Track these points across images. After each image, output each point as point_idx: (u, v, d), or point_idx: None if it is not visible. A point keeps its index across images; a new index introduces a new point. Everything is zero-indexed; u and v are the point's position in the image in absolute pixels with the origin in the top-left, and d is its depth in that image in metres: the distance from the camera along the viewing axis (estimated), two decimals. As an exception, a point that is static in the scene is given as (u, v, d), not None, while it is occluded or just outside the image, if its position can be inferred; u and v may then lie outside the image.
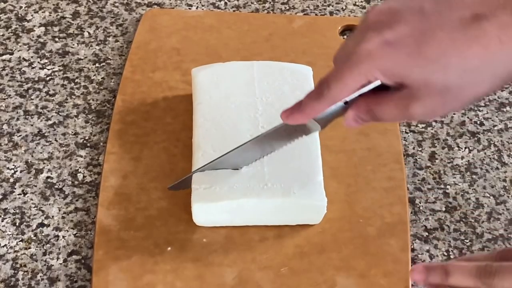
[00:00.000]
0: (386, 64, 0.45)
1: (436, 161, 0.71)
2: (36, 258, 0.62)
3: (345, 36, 0.83)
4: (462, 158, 0.71)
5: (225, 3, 0.87)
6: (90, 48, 0.81)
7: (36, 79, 0.77)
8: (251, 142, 0.60)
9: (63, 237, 0.64)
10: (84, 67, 0.79)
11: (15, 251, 0.62)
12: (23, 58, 0.80)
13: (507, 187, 0.69)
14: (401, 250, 0.62)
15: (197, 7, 0.87)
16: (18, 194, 0.67)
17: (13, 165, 0.69)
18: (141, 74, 0.76)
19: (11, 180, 0.68)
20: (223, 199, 0.60)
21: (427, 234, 0.65)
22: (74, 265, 0.62)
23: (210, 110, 0.67)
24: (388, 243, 0.62)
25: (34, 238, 0.63)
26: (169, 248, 0.62)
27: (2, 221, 0.65)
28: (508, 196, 0.68)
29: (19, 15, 0.85)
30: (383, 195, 0.66)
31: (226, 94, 0.68)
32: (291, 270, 0.60)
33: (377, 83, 0.48)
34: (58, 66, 0.79)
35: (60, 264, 0.62)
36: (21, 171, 0.69)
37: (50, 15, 0.85)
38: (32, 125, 0.73)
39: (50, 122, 0.73)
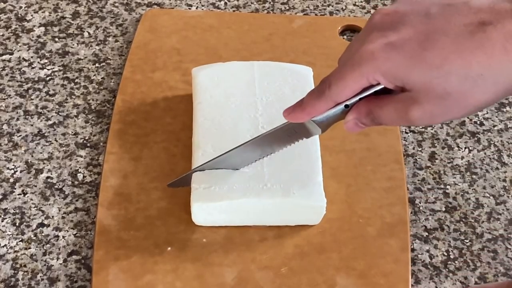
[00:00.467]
0: (387, 66, 0.45)
1: (436, 161, 0.71)
2: (36, 258, 0.62)
3: (345, 36, 0.83)
4: (462, 158, 0.71)
5: (225, 3, 0.87)
6: (90, 48, 0.81)
7: (36, 79, 0.77)
8: (251, 142, 0.60)
9: (63, 237, 0.64)
10: (84, 67, 0.79)
11: (15, 251, 0.62)
12: (23, 58, 0.80)
13: (507, 187, 0.69)
14: (401, 250, 0.62)
15: (197, 7, 0.87)
16: (18, 194, 0.67)
17: (13, 165, 0.69)
18: (141, 74, 0.76)
19: (11, 180, 0.68)
20: (222, 199, 0.60)
21: (427, 234, 0.65)
22: (74, 265, 0.62)
23: (210, 110, 0.67)
24: (388, 243, 0.62)
25: (34, 238, 0.63)
26: (169, 248, 0.62)
27: (2, 221, 0.65)
28: (508, 196, 0.68)
29: (19, 15, 0.85)
30: (383, 195, 0.66)
31: (226, 94, 0.68)
32: (291, 270, 0.60)
33: (378, 87, 0.48)
34: (58, 66, 0.79)
35: (60, 264, 0.62)
36: (21, 171, 0.69)
37: (50, 15, 0.85)
38: (32, 125, 0.73)
39: (50, 122, 0.73)
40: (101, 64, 0.79)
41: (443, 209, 0.67)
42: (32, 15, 0.85)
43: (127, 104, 0.73)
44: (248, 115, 0.66)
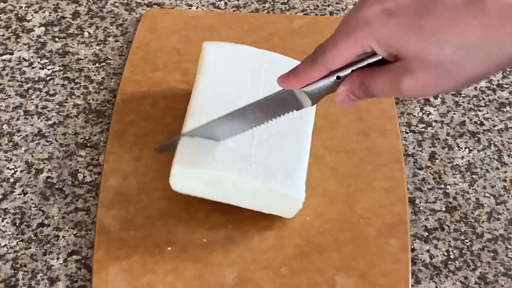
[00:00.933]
0: (382, 33, 0.45)
1: (436, 161, 0.71)
2: (36, 258, 0.62)
3: (345, 36, 0.83)
4: (462, 158, 0.71)
5: (225, 3, 0.87)
6: (90, 48, 0.81)
7: (36, 79, 0.78)
8: (241, 109, 0.59)
9: (63, 237, 0.64)
10: (84, 67, 0.79)
11: (15, 251, 0.62)
12: (23, 58, 0.80)
13: (507, 187, 0.69)
14: (401, 250, 0.62)
15: (197, 7, 0.87)
16: (18, 194, 0.67)
17: (13, 165, 0.69)
18: (141, 74, 0.76)
19: (11, 180, 0.68)
20: (203, 168, 0.60)
21: (427, 234, 0.65)
22: (74, 265, 0.62)
23: (212, 82, 0.67)
24: (388, 243, 0.62)
25: (34, 238, 0.63)
26: (169, 248, 0.62)
27: (2, 221, 0.65)
28: (508, 196, 0.68)
29: (19, 15, 0.85)
30: (383, 195, 0.66)
31: (231, 72, 0.68)
32: (291, 270, 0.60)
33: (372, 59, 0.48)
34: (58, 66, 0.79)
35: (60, 264, 0.62)
36: (21, 171, 0.69)
37: (50, 15, 0.85)
38: (32, 125, 0.73)
39: (50, 122, 0.73)
40: (101, 64, 0.79)
41: (443, 209, 0.67)
42: (32, 15, 0.85)
43: (127, 104, 0.73)
44: (247, 98, 0.66)
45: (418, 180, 0.69)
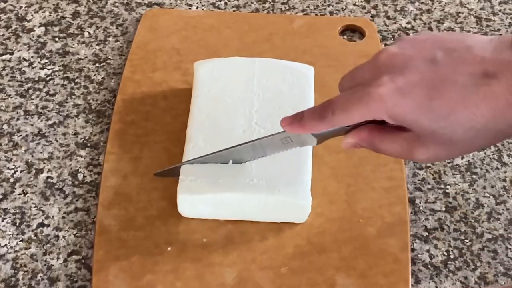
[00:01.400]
0: (395, 110, 0.47)
1: (436, 161, 0.71)
2: (36, 258, 0.62)
3: (345, 36, 0.83)
4: (462, 158, 0.71)
5: (225, 3, 0.87)
6: (90, 48, 0.81)
7: (36, 79, 0.78)
8: (245, 144, 0.61)
9: (63, 237, 0.64)
10: (84, 67, 0.79)
11: (15, 251, 0.62)
12: (23, 58, 0.80)
13: (507, 187, 0.69)
14: (401, 250, 0.62)
15: (197, 7, 0.87)
16: (18, 194, 0.67)
17: (13, 165, 0.69)
18: (141, 74, 0.76)
19: (11, 180, 0.68)
20: (207, 192, 0.61)
21: (427, 234, 0.65)
22: (74, 265, 0.62)
23: (206, 103, 0.67)
24: (388, 243, 0.62)
25: (34, 238, 0.63)
26: (169, 248, 0.62)
27: (2, 221, 0.65)
28: (508, 196, 0.68)
29: (19, 15, 0.85)
30: (383, 195, 0.66)
31: (224, 88, 0.69)
32: (291, 270, 0.60)
33: None
34: (58, 66, 0.79)
35: (60, 264, 0.62)
36: (21, 171, 0.69)
37: (50, 15, 0.85)
38: (32, 125, 0.73)
39: (50, 122, 0.73)
40: (101, 64, 0.79)
41: (443, 209, 0.67)
42: (32, 15, 0.85)
43: (127, 104, 0.73)
44: (243, 111, 0.67)
45: (418, 180, 0.69)
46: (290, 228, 0.63)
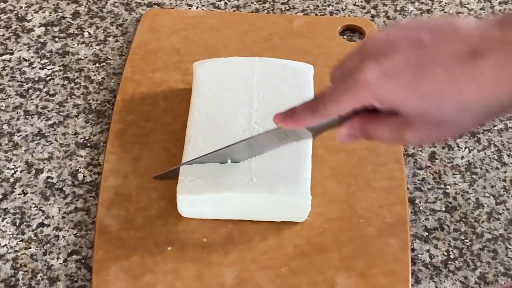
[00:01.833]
0: (383, 94, 0.46)
1: (436, 161, 0.71)
2: (36, 258, 0.62)
3: (345, 36, 0.83)
4: (462, 158, 0.71)
5: (225, 3, 0.87)
6: (90, 48, 0.81)
7: (36, 79, 0.78)
8: (242, 142, 0.61)
9: (63, 237, 0.64)
10: (84, 67, 0.79)
11: (15, 251, 0.62)
12: (23, 58, 0.80)
13: (507, 187, 0.69)
14: (401, 250, 0.62)
15: (197, 7, 0.87)
16: (18, 194, 0.67)
17: (13, 165, 0.69)
18: (141, 74, 0.76)
19: (11, 180, 0.68)
20: (207, 192, 0.61)
21: (427, 234, 0.65)
22: (74, 265, 0.62)
23: (205, 104, 0.67)
24: (388, 243, 0.62)
25: (34, 238, 0.63)
26: (169, 248, 0.62)
27: (2, 221, 0.65)
28: (508, 196, 0.68)
29: (19, 15, 0.85)
30: (383, 195, 0.66)
31: (223, 88, 0.69)
32: (291, 270, 0.60)
33: None
34: (58, 66, 0.79)
35: (60, 264, 0.62)
36: (21, 171, 0.69)
37: (50, 15, 0.85)
38: (32, 125, 0.73)
39: (50, 122, 0.73)
40: (101, 64, 0.79)
41: (443, 209, 0.67)
42: (32, 15, 0.85)
43: (127, 104, 0.73)
44: (242, 110, 0.67)
45: (418, 180, 0.69)
46: (290, 228, 0.63)
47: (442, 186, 0.69)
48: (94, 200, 0.66)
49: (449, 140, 0.73)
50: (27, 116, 0.74)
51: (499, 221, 0.66)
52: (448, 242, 0.64)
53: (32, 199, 0.66)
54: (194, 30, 0.82)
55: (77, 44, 0.82)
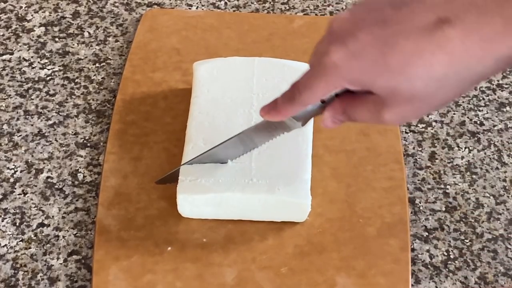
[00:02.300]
0: (352, 75, 0.46)
1: (436, 161, 0.71)
2: (36, 258, 0.62)
3: (345, 36, 0.83)
4: (462, 158, 0.71)
5: (225, 3, 0.87)
6: (90, 48, 0.81)
7: (36, 79, 0.78)
8: (234, 138, 0.61)
9: (63, 237, 0.64)
10: (84, 67, 0.79)
11: (15, 251, 0.62)
12: (23, 58, 0.80)
13: (507, 187, 0.69)
14: (401, 250, 0.62)
15: (197, 7, 0.87)
16: (18, 194, 0.67)
17: (13, 165, 0.69)
18: (141, 74, 0.76)
19: (11, 180, 0.68)
20: (207, 192, 0.61)
21: (427, 234, 0.65)
22: (74, 265, 0.62)
23: (205, 104, 0.68)
24: (388, 243, 0.62)
25: (34, 238, 0.63)
26: (169, 248, 0.62)
27: (2, 221, 0.65)
28: (508, 196, 0.68)
29: (19, 15, 0.85)
30: (383, 195, 0.66)
31: (223, 88, 0.69)
32: (291, 270, 0.60)
33: None
34: (58, 66, 0.79)
35: (60, 264, 0.62)
36: (21, 171, 0.69)
37: (50, 15, 0.85)
38: (32, 125, 0.73)
39: (50, 122, 0.73)
40: (101, 64, 0.79)
41: (443, 209, 0.67)
42: (32, 15, 0.85)
43: (127, 104, 0.73)
44: (242, 111, 0.67)
45: (418, 180, 0.69)
46: (290, 228, 0.63)
47: (442, 186, 0.69)
48: (94, 200, 0.66)
49: (449, 139, 0.73)
50: (27, 116, 0.74)
51: (499, 221, 0.66)
52: (448, 242, 0.64)
53: (32, 199, 0.66)
54: (194, 30, 0.82)
55: (77, 44, 0.82)
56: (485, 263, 0.63)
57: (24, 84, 0.77)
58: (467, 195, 0.68)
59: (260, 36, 0.82)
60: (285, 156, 0.63)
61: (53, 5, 0.87)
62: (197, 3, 0.87)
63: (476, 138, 0.73)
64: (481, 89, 0.78)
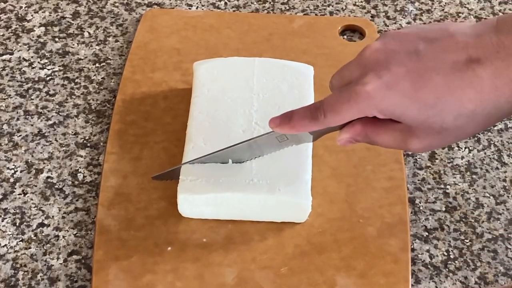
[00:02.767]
0: (384, 105, 0.47)
1: (436, 161, 0.71)
2: (36, 258, 0.62)
3: (345, 36, 0.83)
4: (462, 158, 0.71)
5: (225, 3, 0.87)
6: (90, 48, 0.81)
7: (36, 79, 0.78)
8: (242, 144, 0.61)
9: (63, 237, 0.64)
10: (84, 67, 0.79)
11: (15, 251, 0.62)
12: (23, 58, 0.80)
13: (507, 187, 0.69)
14: (401, 250, 0.62)
15: (197, 7, 0.87)
16: (18, 194, 0.67)
17: (13, 165, 0.69)
18: (141, 74, 0.76)
19: (11, 180, 0.68)
20: (207, 192, 0.61)
21: (427, 234, 0.65)
22: (74, 265, 0.62)
23: (205, 104, 0.68)
24: (388, 243, 0.62)
25: (34, 238, 0.63)
26: (169, 248, 0.62)
27: (2, 221, 0.65)
28: (508, 196, 0.68)
29: (19, 15, 0.85)
30: (383, 195, 0.66)
31: (224, 88, 0.69)
32: (291, 270, 0.60)
33: None
34: (58, 66, 0.79)
35: (60, 264, 0.62)
36: (21, 171, 0.69)
37: (50, 15, 0.85)
38: (32, 125, 0.73)
39: (50, 122, 0.73)
40: (101, 64, 0.79)
41: (443, 209, 0.67)
42: (32, 15, 0.85)
43: (127, 104, 0.73)
44: (243, 111, 0.67)
45: (418, 180, 0.69)
46: (290, 228, 0.63)
47: (442, 186, 0.69)
48: (94, 200, 0.66)
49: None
50: (27, 116, 0.74)
51: (499, 221, 0.66)
52: (448, 242, 0.64)
53: (32, 199, 0.66)
54: (194, 30, 0.82)
55: (77, 44, 0.82)
56: (485, 263, 0.63)
57: (24, 84, 0.77)
58: (467, 195, 0.68)
59: (260, 36, 0.82)
60: (286, 157, 0.63)
61: (53, 5, 0.87)
62: (197, 3, 0.87)
63: (476, 138, 0.73)
64: (481, 89, 0.78)
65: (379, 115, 0.48)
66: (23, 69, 0.79)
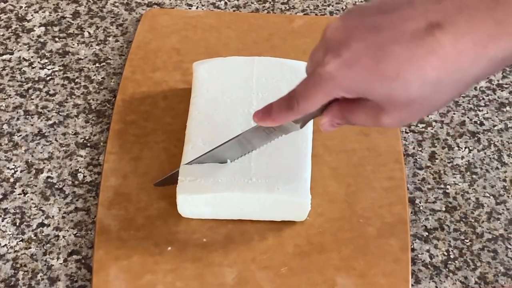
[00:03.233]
0: (347, 84, 0.46)
1: (436, 161, 0.71)
2: (36, 258, 0.62)
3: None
4: (462, 158, 0.71)
5: (225, 3, 0.87)
6: (90, 48, 0.81)
7: (36, 79, 0.78)
8: (232, 140, 0.61)
9: (63, 237, 0.64)
10: (84, 67, 0.79)
11: (15, 251, 0.62)
12: (23, 58, 0.80)
13: (507, 187, 0.69)
14: (401, 250, 0.62)
15: (197, 7, 0.87)
16: (18, 194, 0.67)
17: (13, 165, 0.69)
18: (141, 74, 0.76)
19: (11, 180, 0.68)
20: (206, 192, 0.61)
21: (427, 234, 0.65)
22: (74, 265, 0.62)
23: (205, 104, 0.68)
24: (388, 243, 0.62)
25: (34, 238, 0.63)
26: (169, 248, 0.62)
27: (2, 221, 0.65)
28: (508, 196, 0.68)
29: (19, 15, 0.85)
30: (383, 195, 0.66)
31: (223, 88, 0.69)
32: (291, 270, 0.60)
33: None
34: (58, 66, 0.79)
35: (60, 264, 0.62)
36: (21, 171, 0.69)
37: (50, 15, 0.85)
38: (32, 125, 0.73)
39: (50, 122, 0.73)
40: (101, 64, 0.79)
41: (443, 209, 0.67)
42: (32, 15, 0.85)
43: (127, 104, 0.73)
44: (242, 110, 0.67)
45: (418, 180, 0.69)
46: (290, 228, 0.63)
47: (442, 186, 0.69)
48: (94, 200, 0.66)
49: (449, 139, 0.73)
50: (27, 116, 0.74)
51: (499, 221, 0.66)
52: (448, 242, 0.64)
53: (32, 199, 0.66)
54: (194, 30, 0.82)
55: (77, 44, 0.82)
56: (485, 263, 0.63)
57: (24, 84, 0.77)
58: (467, 195, 0.68)
59: (260, 36, 0.82)
60: (285, 155, 0.63)
61: (53, 5, 0.87)
62: (197, 3, 0.87)
63: (476, 138, 0.73)
64: (481, 89, 0.78)
65: (346, 94, 0.47)
66: (23, 69, 0.79)
